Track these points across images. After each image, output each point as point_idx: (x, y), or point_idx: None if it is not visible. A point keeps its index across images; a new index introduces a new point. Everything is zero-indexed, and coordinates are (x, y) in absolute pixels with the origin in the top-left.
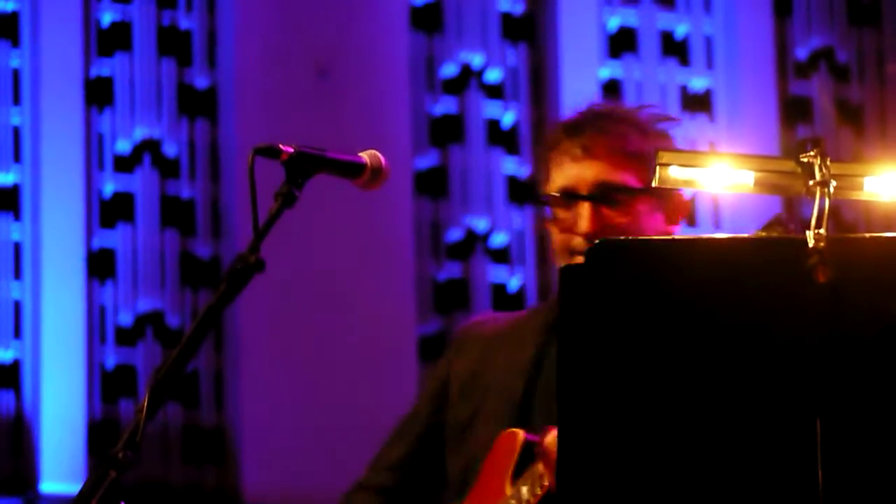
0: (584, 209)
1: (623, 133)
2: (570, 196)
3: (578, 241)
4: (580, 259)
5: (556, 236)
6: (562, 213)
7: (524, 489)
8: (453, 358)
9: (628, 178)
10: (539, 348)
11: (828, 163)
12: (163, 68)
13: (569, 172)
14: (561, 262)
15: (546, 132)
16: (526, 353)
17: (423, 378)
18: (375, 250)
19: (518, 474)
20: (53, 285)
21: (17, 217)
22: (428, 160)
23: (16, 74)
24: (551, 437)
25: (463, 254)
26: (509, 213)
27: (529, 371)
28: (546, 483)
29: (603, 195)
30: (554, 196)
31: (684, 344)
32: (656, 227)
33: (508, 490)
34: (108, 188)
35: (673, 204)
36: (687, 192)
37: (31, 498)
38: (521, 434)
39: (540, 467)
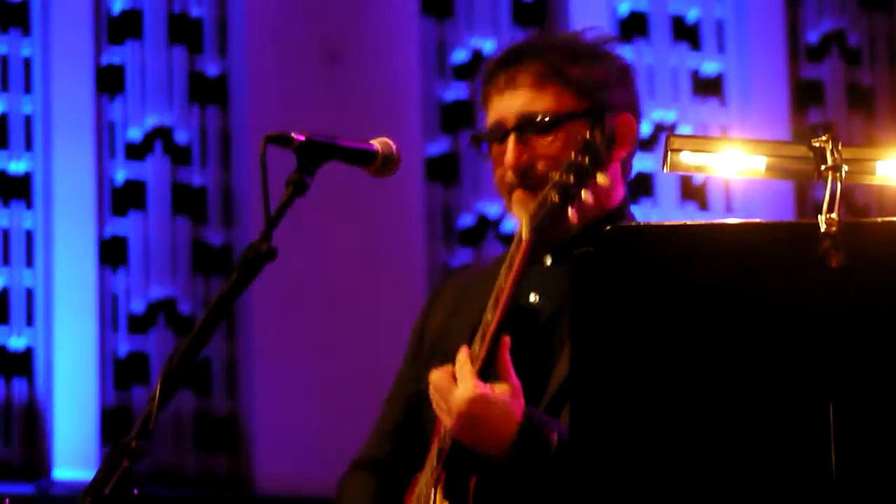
0: (510, 141)
1: (549, 60)
2: (495, 131)
3: (509, 175)
4: (518, 194)
5: (494, 172)
6: (495, 149)
7: (435, 447)
8: (428, 315)
9: (557, 104)
10: (484, 307)
11: (839, 147)
12: (174, 56)
13: (497, 107)
14: (503, 198)
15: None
16: (474, 312)
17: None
18: (387, 237)
19: None
20: (66, 273)
21: (30, 205)
22: (439, 146)
23: (27, 63)
24: (432, 378)
25: (475, 240)
26: None
27: (473, 329)
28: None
29: (526, 125)
30: (480, 133)
31: (696, 331)
32: None
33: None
34: (120, 176)
35: (614, 128)
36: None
37: (45, 485)
38: None
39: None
